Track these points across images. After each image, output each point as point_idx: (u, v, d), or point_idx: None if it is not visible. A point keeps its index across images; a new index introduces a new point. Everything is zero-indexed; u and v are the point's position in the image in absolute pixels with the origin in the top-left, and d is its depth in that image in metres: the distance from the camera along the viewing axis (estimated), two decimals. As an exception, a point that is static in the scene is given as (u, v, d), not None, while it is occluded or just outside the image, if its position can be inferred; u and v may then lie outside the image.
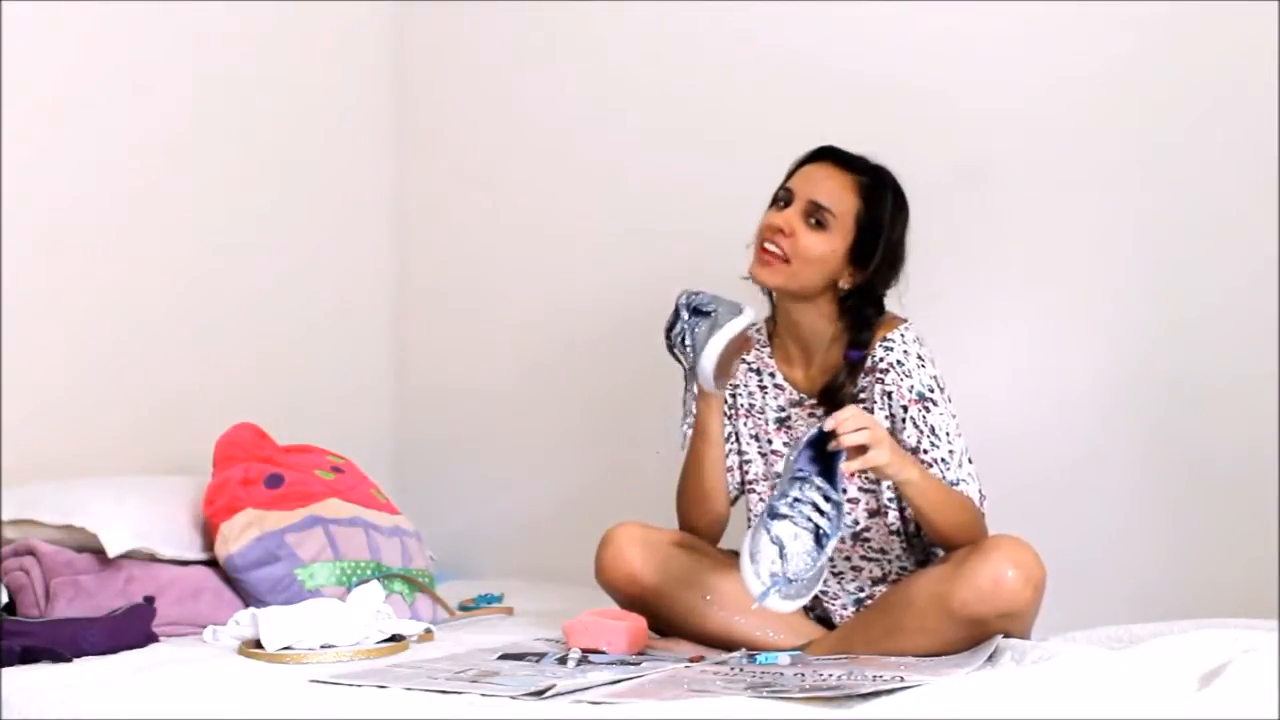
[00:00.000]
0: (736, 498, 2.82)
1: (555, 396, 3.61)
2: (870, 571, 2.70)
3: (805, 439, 2.45)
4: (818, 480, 2.40)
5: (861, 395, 2.66)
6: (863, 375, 2.66)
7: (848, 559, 2.71)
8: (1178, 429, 3.02)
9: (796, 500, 2.39)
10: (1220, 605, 2.71)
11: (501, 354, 3.70)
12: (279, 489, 2.84)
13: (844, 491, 2.45)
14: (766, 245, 2.67)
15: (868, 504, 2.69)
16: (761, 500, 2.77)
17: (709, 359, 2.57)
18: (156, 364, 3.28)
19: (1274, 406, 2.91)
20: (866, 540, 2.69)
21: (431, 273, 3.82)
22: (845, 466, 2.41)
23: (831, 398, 2.68)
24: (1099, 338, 3.10)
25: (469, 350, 3.76)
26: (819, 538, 2.37)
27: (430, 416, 3.80)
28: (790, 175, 2.74)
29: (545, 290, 3.65)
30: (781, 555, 2.35)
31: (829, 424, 2.43)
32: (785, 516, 2.38)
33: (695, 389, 2.66)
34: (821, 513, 2.38)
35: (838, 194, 2.68)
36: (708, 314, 2.60)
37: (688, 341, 2.61)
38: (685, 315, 2.62)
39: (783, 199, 2.70)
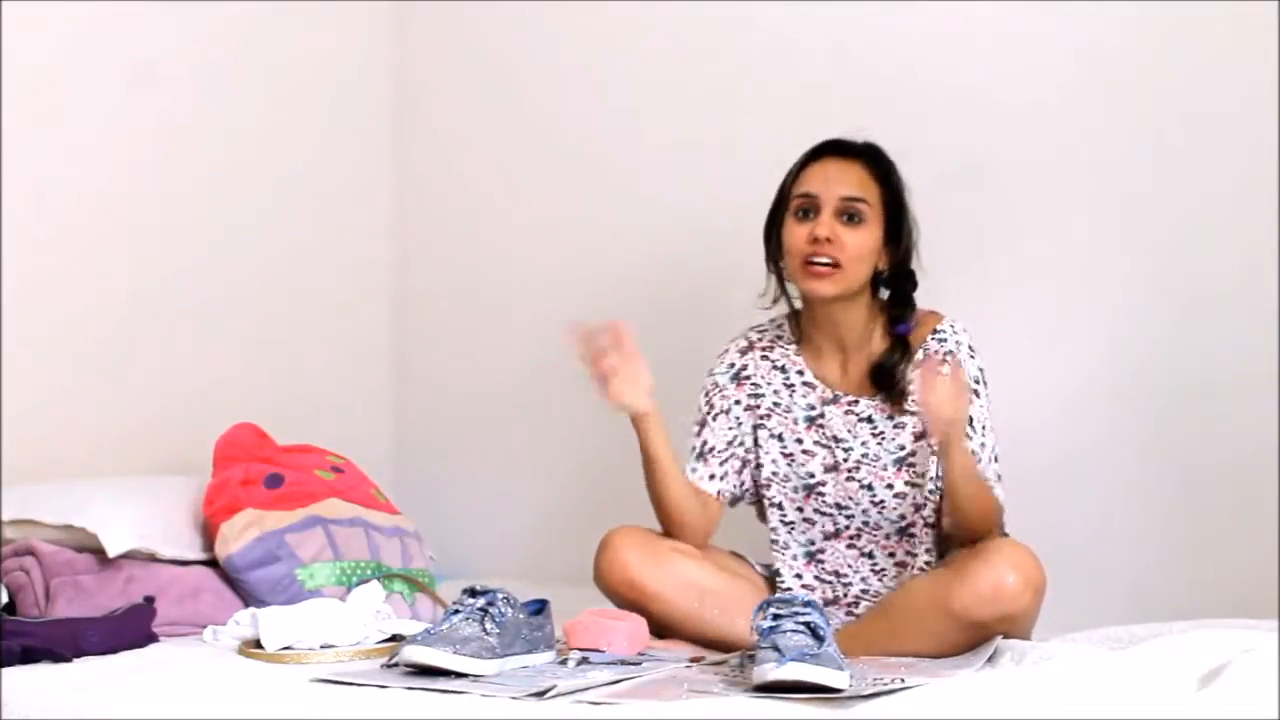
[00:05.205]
0: (737, 500, 2.81)
1: (556, 396, 3.60)
2: (898, 564, 2.70)
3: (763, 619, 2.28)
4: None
5: (911, 386, 2.64)
6: (910, 367, 2.65)
7: (891, 555, 2.70)
8: (1178, 427, 3.02)
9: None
10: (1220, 605, 2.71)
11: (502, 353, 3.69)
12: (279, 489, 2.84)
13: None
14: (813, 260, 2.64)
15: (913, 498, 2.67)
16: (774, 506, 2.75)
17: None
18: (156, 364, 3.28)
19: (1274, 405, 2.91)
20: (911, 535, 2.69)
21: (431, 272, 3.81)
22: (931, 433, 2.52)
23: (886, 378, 2.67)
24: (1099, 335, 3.09)
25: (469, 350, 3.75)
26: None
27: (430, 416, 3.80)
28: (793, 182, 2.70)
29: (546, 289, 3.64)
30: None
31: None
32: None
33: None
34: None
35: (860, 184, 2.67)
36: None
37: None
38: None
39: (805, 208, 2.67)
